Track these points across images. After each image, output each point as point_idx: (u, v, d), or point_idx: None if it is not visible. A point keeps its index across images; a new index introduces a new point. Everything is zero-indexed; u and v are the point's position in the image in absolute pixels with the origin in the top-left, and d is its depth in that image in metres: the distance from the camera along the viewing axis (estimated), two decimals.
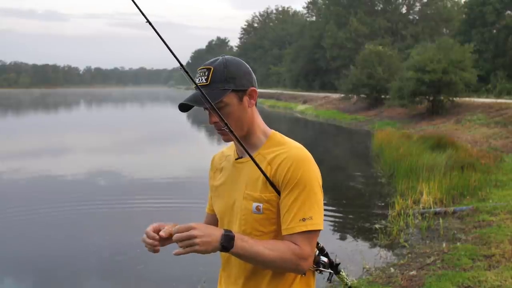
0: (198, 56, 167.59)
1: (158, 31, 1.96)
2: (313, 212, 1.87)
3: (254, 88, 1.98)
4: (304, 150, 1.96)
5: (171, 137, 27.33)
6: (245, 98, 1.96)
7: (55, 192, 12.26)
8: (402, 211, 9.13)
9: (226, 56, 1.98)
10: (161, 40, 1.96)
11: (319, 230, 1.89)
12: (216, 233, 1.75)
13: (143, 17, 1.97)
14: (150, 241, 1.93)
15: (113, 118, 46.33)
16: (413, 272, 6.12)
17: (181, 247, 1.72)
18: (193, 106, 1.93)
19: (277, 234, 1.94)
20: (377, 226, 8.80)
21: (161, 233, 1.90)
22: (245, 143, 2.01)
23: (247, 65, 2.01)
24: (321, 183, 1.94)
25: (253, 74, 2.00)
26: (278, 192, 1.91)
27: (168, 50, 1.97)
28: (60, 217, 10.06)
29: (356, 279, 6.25)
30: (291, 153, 1.92)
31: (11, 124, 38.51)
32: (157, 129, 32.13)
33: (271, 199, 1.92)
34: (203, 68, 1.95)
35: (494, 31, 38.00)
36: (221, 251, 1.78)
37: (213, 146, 21.10)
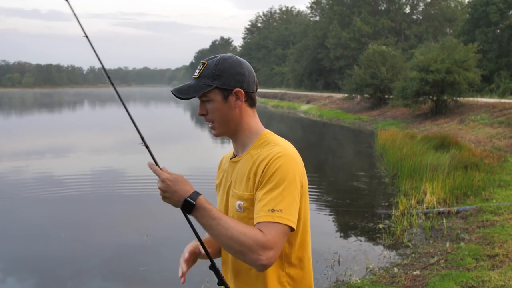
0: (202, 56, 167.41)
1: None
2: (284, 206, 1.82)
3: (240, 89, 1.99)
4: (287, 149, 1.94)
5: (174, 135, 27.33)
6: (231, 98, 2.00)
7: (58, 191, 12.28)
8: (405, 211, 9.13)
9: (225, 55, 2.03)
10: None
11: (289, 227, 1.82)
12: (181, 193, 1.87)
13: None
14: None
15: (118, 117, 46.31)
16: (417, 272, 6.12)
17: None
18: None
19: None
20: (380, 226, 8.80)
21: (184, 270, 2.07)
22: (236, 142, 2.10)
23: (245, 67, 2.02)
24: (301, 182, 1.92)
25: (248, 76, 2.02)
26: None
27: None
28: (62, 216, 10.10)
29: (359, 279, 6.26)
30: (272, 150, 1.92)
31: (18, 125, 38.59)
32: (162, 127, 32.10)
33: (250, 198, 1.93)
34: (201, 62, 2.04)
35: (498, 31, 37.91)
36: (181, 210, 1.87)
37: (217, 144, 21.12)
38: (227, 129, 2.05)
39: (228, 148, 2.27)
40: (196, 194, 1.85)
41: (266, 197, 1.84)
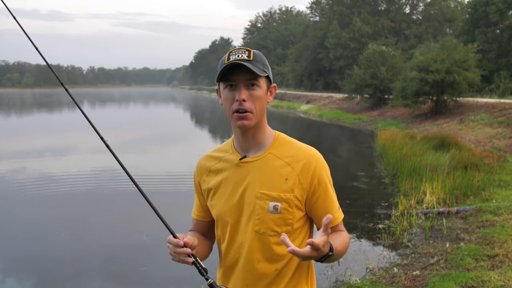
0: (202, 56, 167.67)
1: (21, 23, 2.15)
2: (337, 201, 2.08)
3: (276, 85, 2.04)
4: (314, 149, 2.04)
5: (175, 135, 27.32)
6: (268, 91, 2.01)
7: (57, 190, 12.28)
8: (405, 211, 9.12)
9: None
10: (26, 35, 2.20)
11: None
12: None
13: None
14: (181, 249, 1.93)
15: (118, 116, 46.36)
16: (417, 272, 6.12)
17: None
18: (232, 79, 1.91)
19: (289, 236, 1.94)
20: (380, 226, 8.79)
21: (186, 239, 1.94)
22: (250, 139, 2.02)
23: None
24: None
25: None
26: (300, 194, 1.97)
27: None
28: (62, 216, 10.10)
29: (359, 279, 6.25)
30: (309, 154, 1.99)
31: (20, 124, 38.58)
32: (162, 127, 32.09)
33: (290, 199, 1.94)
34: (240, 48, 1.95)
35: (498, 31, 37.90)
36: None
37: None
38: (259, 121, 1.99)
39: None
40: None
41: (331, 200, 2.04)
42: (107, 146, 2.12)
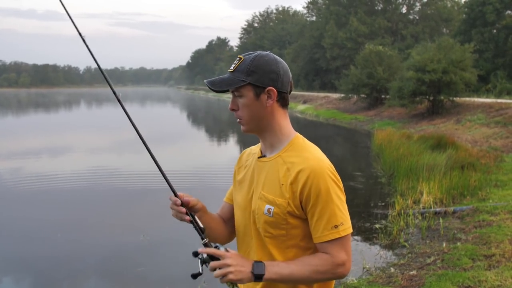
0: (198, 56, 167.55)
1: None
2: (342, 218, 1.90)
3: (273, 88, 1.97)
4: (321, 161, 1.96)
5: (173, 135, 27.28)
6: (263, 96, 1.98)
7: (54, 190, 12.25)
8: (402, 211, 9.13)
9: (262, 52, 2.02)
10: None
11: (350, 233, 1.93)
12: (247, 263, 1.85)
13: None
14: (177, 207, 2.02)
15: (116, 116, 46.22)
16: (413, 272, 6.12)
17: (215, 274, 1.82)
18: (219, 91, 2.03)
19: (286, 240, 1.97)
20: (377, 226, 8.79)
21: (186, 198, 2.04)
22: (263, 141, 2.08)
23: (281, 66, 2.00)
24: (342, 187, 1.98)
25: (282, 75, 2.00)
26: (293, 201, 1.93)
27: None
28: (59, 216, 10.07)
29: (356, 279, 6.25)
30: (308, 164, 1.93)
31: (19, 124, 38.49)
32: (160, 127, 32.02)
33: (282, 205, 1.93)
34: (238, 57, 2.02)
35: (494, 31, 37.96)
36: (254, 281, 1.85)
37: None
38: (255, 126, 2.04)
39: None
40: (256, 260, 1.89)
41: (324, 214, 1.89)
42: (119, 101, 2.24)
